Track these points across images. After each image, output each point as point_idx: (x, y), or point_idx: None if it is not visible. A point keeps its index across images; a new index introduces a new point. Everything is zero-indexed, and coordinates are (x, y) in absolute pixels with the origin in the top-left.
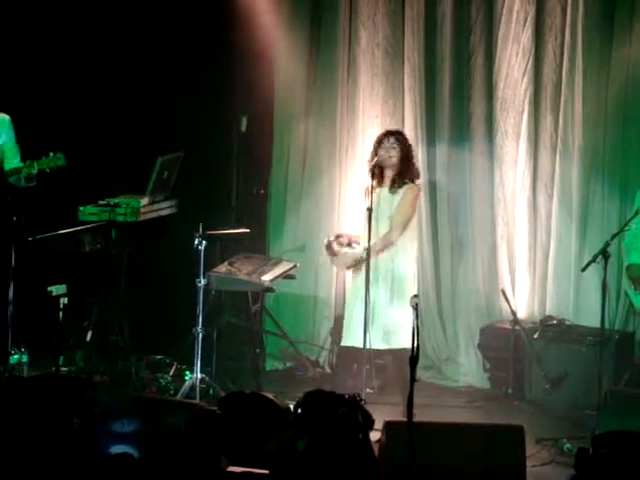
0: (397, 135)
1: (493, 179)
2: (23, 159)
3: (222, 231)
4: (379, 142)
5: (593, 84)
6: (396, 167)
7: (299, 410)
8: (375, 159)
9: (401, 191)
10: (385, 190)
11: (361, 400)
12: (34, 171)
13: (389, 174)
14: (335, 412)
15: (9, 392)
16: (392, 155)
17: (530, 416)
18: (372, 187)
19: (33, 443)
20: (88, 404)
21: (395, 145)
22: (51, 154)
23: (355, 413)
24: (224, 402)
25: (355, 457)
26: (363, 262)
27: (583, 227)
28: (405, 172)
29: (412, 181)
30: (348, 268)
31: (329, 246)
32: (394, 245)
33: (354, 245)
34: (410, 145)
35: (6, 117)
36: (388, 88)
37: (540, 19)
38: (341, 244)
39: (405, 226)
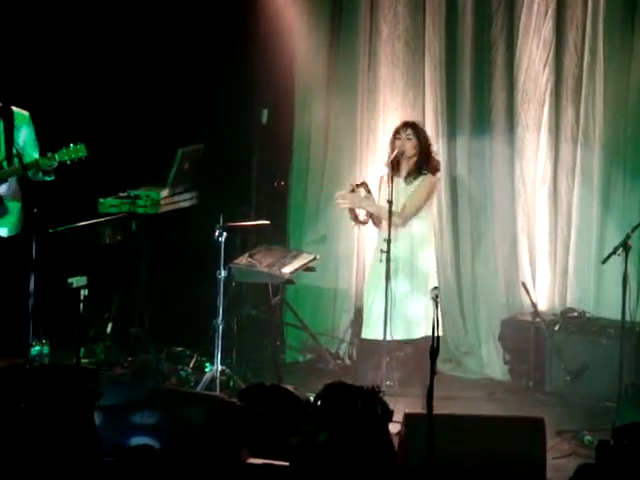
0: (413, 127)
1: (514, 171)
2: (44, 152)
3: (242, 223)
4: (396, 133)
5: (614, 76)
6: (412, 159)
7: (319, 402)
8: (395, 151)
9: (416, 182)
10: (400, 181)
11: (380, 392)
12: (54, 163)
13: (405, 165)
14: (354, 404)
15: (11, 381)
16: (408, 147)
17: (551, 408)
18: (391, 178)
19: (34, 434)
20: (91, 395)
21: (411, 136)
22: (72, 145)
23: (374, 405)
24: (244, 394)
25: (373, 449)
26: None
27: (604, 219)
28: (422, 164)
29: (431, 173)
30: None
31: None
32: (409, 236)
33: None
34: (427, 137)
35: (26, 113)
36: (409, 80)
37: (561, 10)
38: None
39: (414, 213)
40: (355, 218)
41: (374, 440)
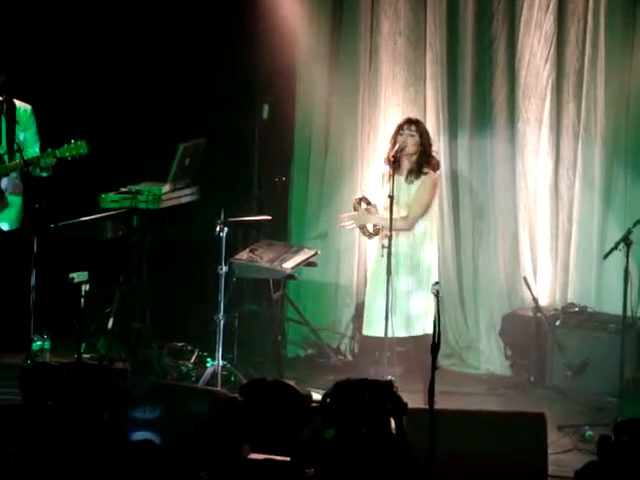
0: (417, 124)
1: (515, 166)
2: (45, 147)
3: (244, 218)
4: (399, 129)
5: (616, 70)
6: (414, 157)
7: (328, 399)
8: (396, 146)
9: (418, 181)
10: (401, 179)
11: (392, 387)
12: (54, 160)
13: (406, 163)
14: (363, 400)
15: (36, 379)
16: (410, 143)
17: (552, 403)
18: (392, 174)
19: (61, 432)
20: (118, 394)
21: (414, 133)
22: (72, 142)
23: (384, 400)
24: (245, 389)
25: (385, 445)
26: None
27: (605, 214)
28: (422, 163)
29: (432, 170)
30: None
31: (357, 207)
32: (411, 232)
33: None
34: (429, 136)
35: (28, 107)
36: (410, 75)
37: (562, 5)
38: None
39: (421, 215)
40: (364, 232)
41: (384, 436)
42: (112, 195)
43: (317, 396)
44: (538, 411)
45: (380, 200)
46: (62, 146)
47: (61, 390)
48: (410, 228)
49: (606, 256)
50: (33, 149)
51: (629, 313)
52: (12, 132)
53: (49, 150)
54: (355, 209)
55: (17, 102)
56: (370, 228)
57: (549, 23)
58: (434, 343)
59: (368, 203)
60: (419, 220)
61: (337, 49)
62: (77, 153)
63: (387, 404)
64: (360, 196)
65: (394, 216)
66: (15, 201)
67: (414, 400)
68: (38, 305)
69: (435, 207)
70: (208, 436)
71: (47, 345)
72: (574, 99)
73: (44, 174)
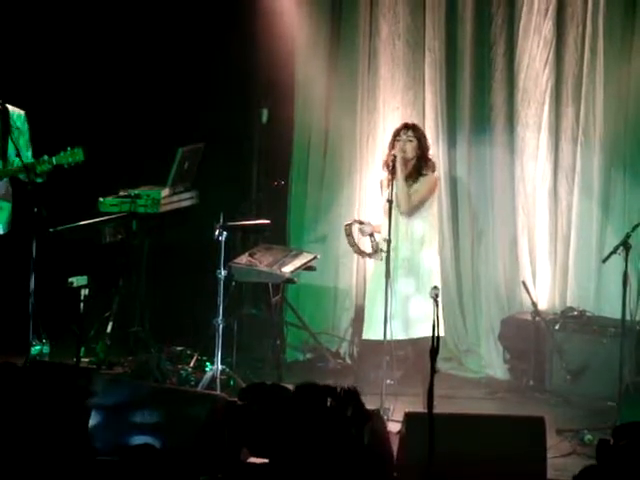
0: (414, 128)
1: (514, 170)
2: (41, 153)
3: (243, 222)
4: (396, 134)
5: (614, 74)
6: (412, 161)
7: (290, 403)
8: (392, 151)
9: (417, 184)
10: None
11: (355, 393)
12: (49, 167)
13: (404, 168)
14: (323, 406)
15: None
16: (408, 148)
17: (551, 407)
18: (391, 180)
19: (20, 433)
20: (81, 393)
21: (412, 138)
22: (69, 149)
23: (345, 407)
24: (245, 393)
25: (345, 452)
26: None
27: (604, 218)
28: (421, 166)
29: (430, 171)
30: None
31: (349, 231)
32: (411, 236)
33: (375, 236)
34: (427, 139)
35: (22, 113)
36: (409, 79)
37: (561, 9)
38: (363, 232)
39: (418, 206)
40: (360, 252)
41: (341, 441)
42: (111, 199)
43: None
44: (537, 415)
45: (379, 205)
46: (58, 153)
47: (23, 390)
48: (408, 213)
49: (605, 260)
50: (26, 155)
51: (628, 317)
52: (5, 137)
53: (45, 157)
54: (348, 234)
55: (10, 107)
56: (368, 248)
57: (548, 27)
58: (433, 347)
59: (361, 223)
60: (414, 219)
61: (336, 53)
62: (73, 160)
63: (348, 411)
64: (350, 221)
65: (394, 230)
66: (5, 206)
67: (413, 404)
68: (37, 309)
69: (434, 211)
70: (207, 440)
71: (46, 349)
72: (573, 103)
73: (39, 180)
